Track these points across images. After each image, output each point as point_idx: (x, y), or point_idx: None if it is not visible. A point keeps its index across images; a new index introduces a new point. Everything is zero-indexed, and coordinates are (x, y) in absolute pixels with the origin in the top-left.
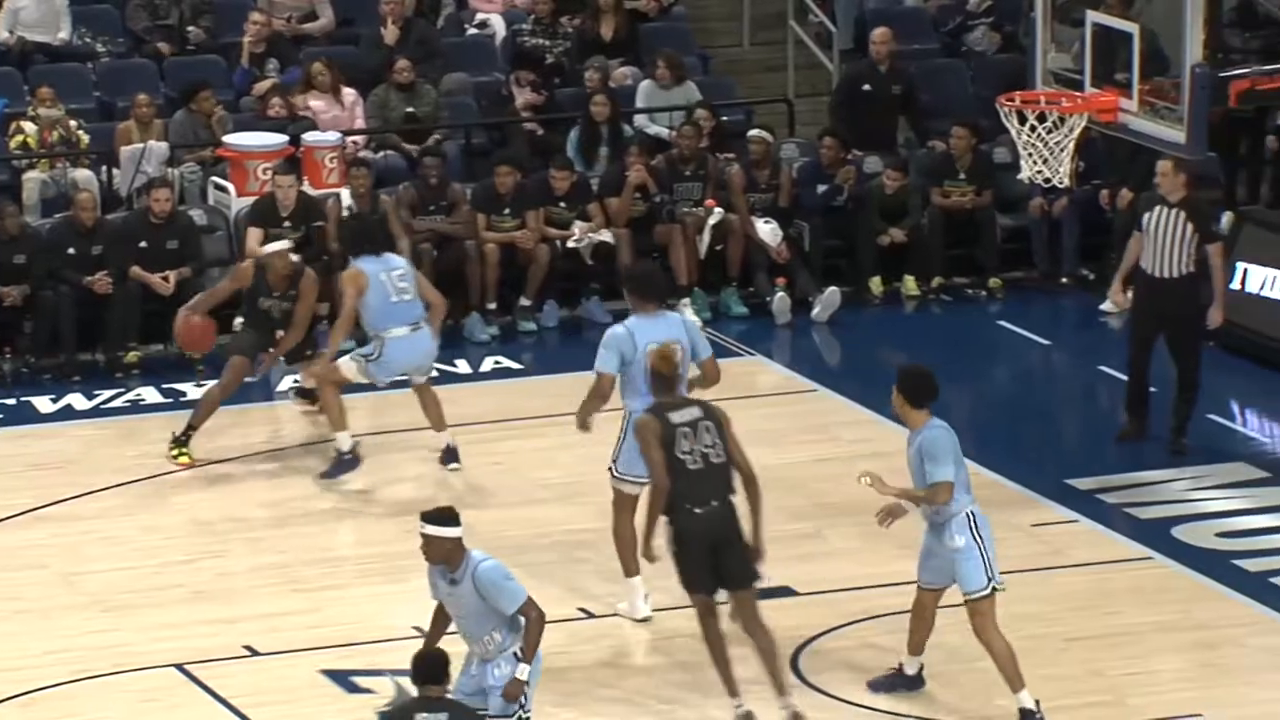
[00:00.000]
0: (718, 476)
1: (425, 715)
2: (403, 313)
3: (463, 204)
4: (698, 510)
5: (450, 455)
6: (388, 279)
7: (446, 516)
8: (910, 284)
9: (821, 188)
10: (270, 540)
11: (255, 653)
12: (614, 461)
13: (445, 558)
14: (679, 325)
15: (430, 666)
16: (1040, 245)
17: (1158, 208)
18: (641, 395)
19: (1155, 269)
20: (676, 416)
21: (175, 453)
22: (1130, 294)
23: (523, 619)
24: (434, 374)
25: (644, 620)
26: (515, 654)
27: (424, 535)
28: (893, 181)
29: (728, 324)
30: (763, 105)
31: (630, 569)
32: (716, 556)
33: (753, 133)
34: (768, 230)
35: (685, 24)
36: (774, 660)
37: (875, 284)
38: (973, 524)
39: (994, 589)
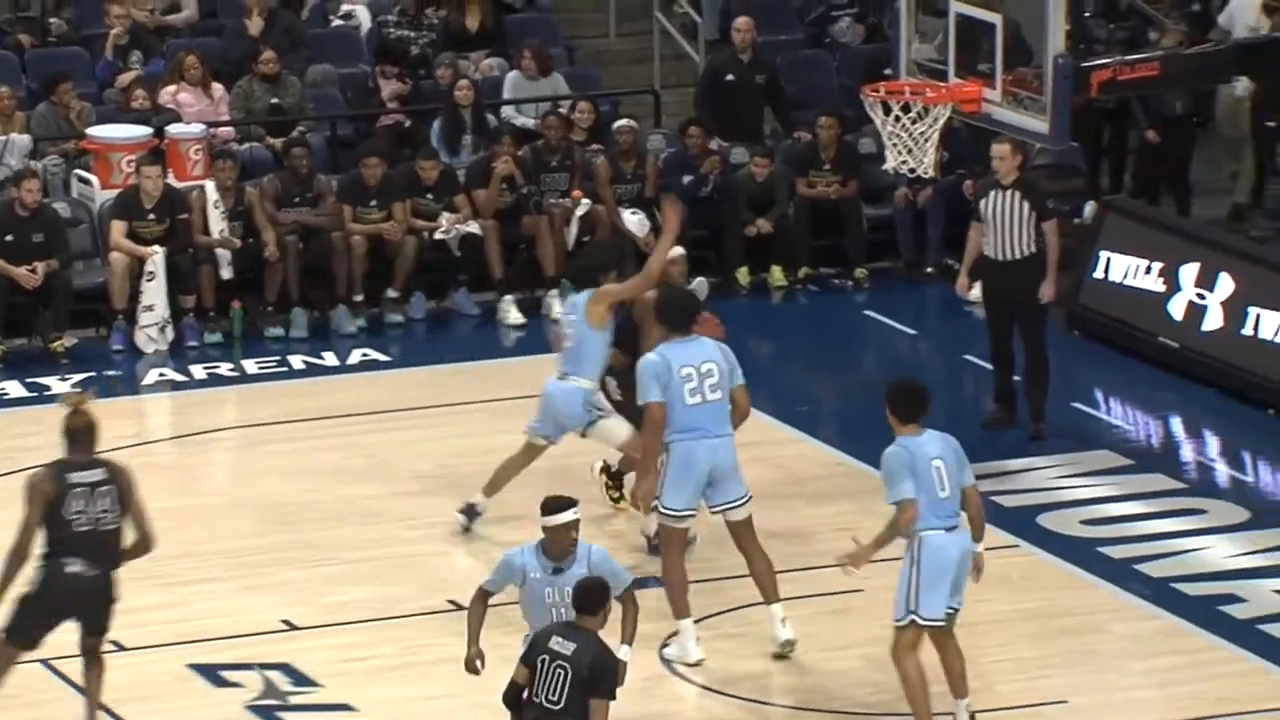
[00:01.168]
0: (103, 545)
1: (558, 639)
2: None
3: (329, 195)
4: (69, 570)
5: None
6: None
7: (567, 501)
8: (777, 274)
9: (687, 178)
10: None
11: (121, 648)
12: (658, 498)
13: (572, 545)
14: (715, 350)
15: (587, 596)
16: (905, 235)
17: (993, 192)
18: (675, 427)
19: (998, 253)
20: (75, 476)
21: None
22: (977, 284)
23: (621, 604)
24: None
25: (697, 664)
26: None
27: (556, 526)
28: (761, 169)
29: None
30: (629, 96)
31: (681, 611)
32: (78, 617)
33: (619, 123)
34: (635, 221)
35: (551, 15)
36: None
37: (742, 274)
38: (914, 550)
39: (913, 622)
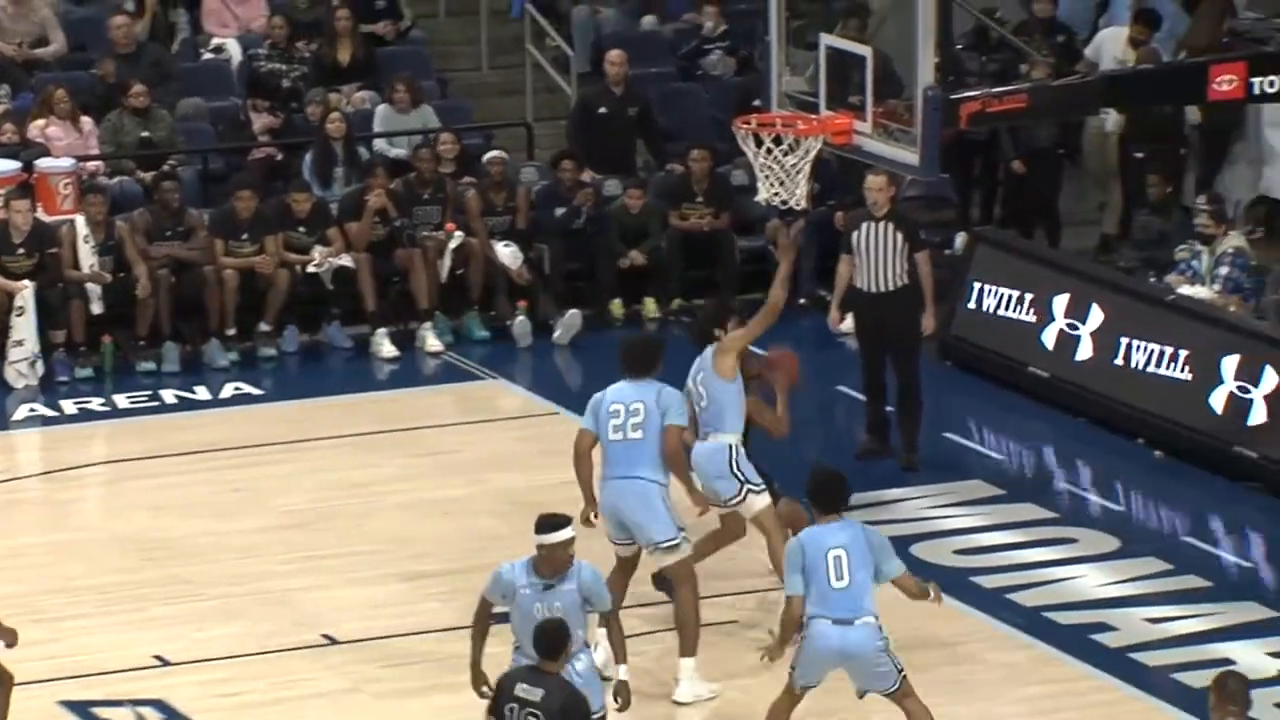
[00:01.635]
0: None
1: (524, 686)
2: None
3: (200, 229)
4: None
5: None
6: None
7: (561, 520)
8: (650, 306)
9: (560, 210)
10: (6, 571)
11: None
12: None
13: (568, 563)
14: (651, 390)
15: (549, 640)
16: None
17: (865, 224)
18: (604, 462)
19: (871, 285)
20: None
21: None
22: (849, 317)
23: (606, 625)
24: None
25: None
26: (586, 642)
27: (553, 544)
28: (634, 201)
29: (470, 347)
30: (502, 129)
31: None
32: None
33: (489, 154)
34: (507, 253)
35: (423, 48)
36: None
37: (616, 306)
38: (804, 630)
39: (791, 673)
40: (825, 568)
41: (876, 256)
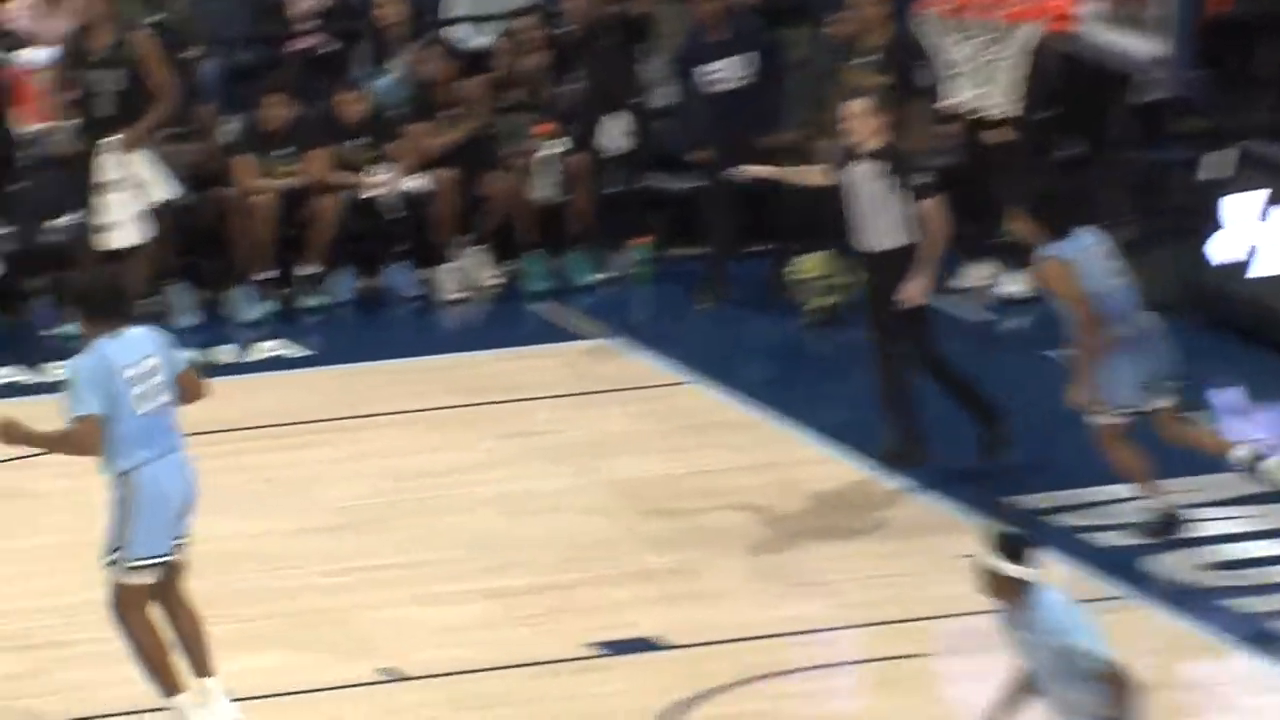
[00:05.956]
0: None
1: None
2: None
3: (214, 129)
4: None
5: None
6: None
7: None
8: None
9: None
10: None
11: None
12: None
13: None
14: (150, 340)
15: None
16: None
17: (847, 165)
18: (134, 447)
19: (861, 242)
20: None
21: None
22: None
23: None
24: None
25: None
26: None
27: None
28: None
29: (575, 296)
30: None
31: (170, 685)
32: None
33: None
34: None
35: None
36: None
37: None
38: None
39: None
40: None
41: (862, 207)
